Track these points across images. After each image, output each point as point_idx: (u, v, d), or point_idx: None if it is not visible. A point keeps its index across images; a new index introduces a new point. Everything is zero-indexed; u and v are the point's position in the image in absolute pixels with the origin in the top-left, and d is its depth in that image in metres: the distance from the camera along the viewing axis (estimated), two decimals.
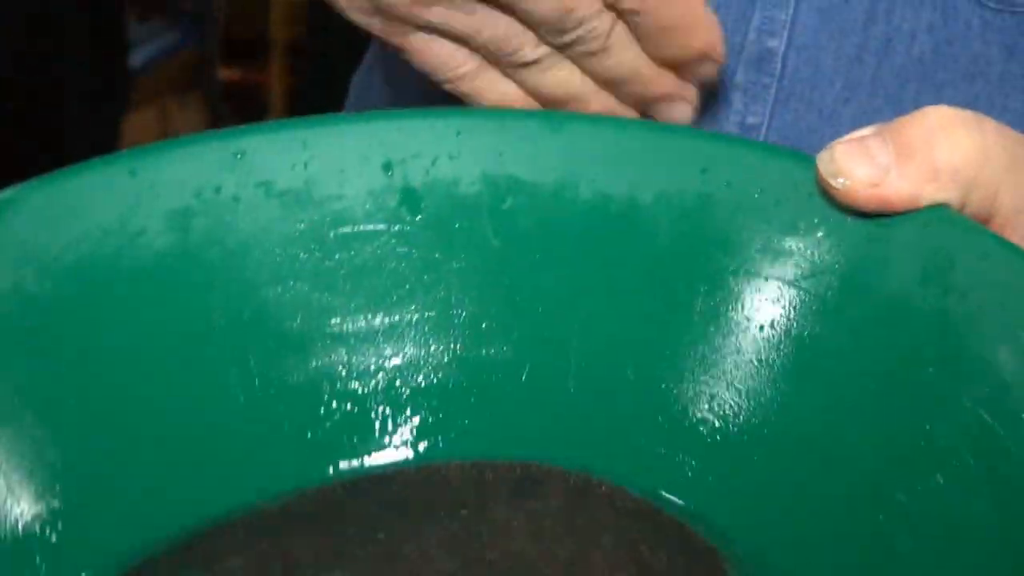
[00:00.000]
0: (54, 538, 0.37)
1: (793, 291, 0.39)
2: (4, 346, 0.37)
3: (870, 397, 0.37)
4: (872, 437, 0.37)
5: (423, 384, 0.41)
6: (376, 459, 0.40)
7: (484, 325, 0.40)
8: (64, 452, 0.37)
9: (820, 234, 0.39)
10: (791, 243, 0.39)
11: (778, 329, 0.39)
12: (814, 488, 0.37)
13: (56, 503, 0.37)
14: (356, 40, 0.52)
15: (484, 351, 0.40)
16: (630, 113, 0.47)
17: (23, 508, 0.37)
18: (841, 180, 0.37)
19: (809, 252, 0.39)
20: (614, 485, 0.39)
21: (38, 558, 0.36)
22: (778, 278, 0.39)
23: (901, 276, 0.37)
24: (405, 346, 0.41)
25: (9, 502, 0.37)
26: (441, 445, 0.40)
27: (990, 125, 0.37)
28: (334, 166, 0.40)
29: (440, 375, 0.41)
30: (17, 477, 0.37)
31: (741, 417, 0.39)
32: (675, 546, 0.37)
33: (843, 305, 0.38)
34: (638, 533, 0.38)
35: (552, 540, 0.37)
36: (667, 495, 0.39)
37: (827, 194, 0.38)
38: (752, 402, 0.39)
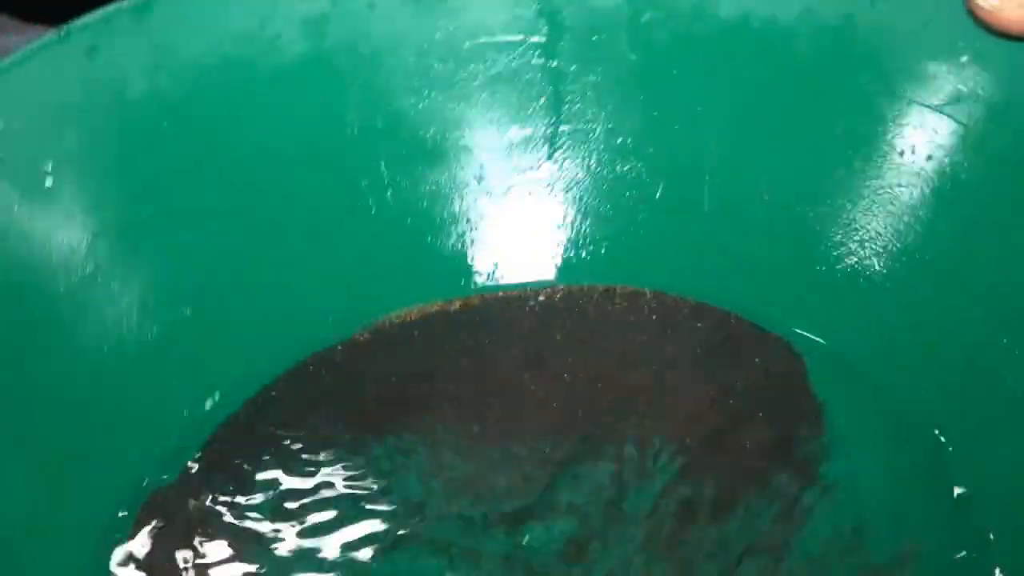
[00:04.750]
0: (186, 342, 0.38)
1: (935, 117, 0.38)
2: (138, 149, 0.38)
3: (1005, 230, 0.37)
4: (1007, 273, 0.37)
5: (555, 200, 0.40)
6: (503, 275, 0.40)
7: (619, 141, 0.40)
8: (198, 257, 0.38)
9: (964, 59, 0.38)
10: (935, 67, 0.38)
11: (918, 155, 0.38)
12: (941, 320, 0.38)
13: (189, 311, 0.38)
14: None
15: (618, 167, 0.40)
16: None
17: (160, 313, 0.38)
18: (990, 1, 0.36)
19: (953, 77, 0.38)
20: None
21: (173, 362, 0.37)
22: (920, 102, 0.38)
23: None
24: (538, 160, 0.40)
25: (147, 303, 0.37)
26: (571, 264, 0.40)
27: None
28: None
29: (573, 191, 0.40)
30: (152, 283, 0.38)
31: (878, 243, 0.39)
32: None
33: (985, 135, 0.38)
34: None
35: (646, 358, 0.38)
36: (803, 329, 0.39)
37: (974, 16, 0.37)
38: (889, 229, 0.38)
